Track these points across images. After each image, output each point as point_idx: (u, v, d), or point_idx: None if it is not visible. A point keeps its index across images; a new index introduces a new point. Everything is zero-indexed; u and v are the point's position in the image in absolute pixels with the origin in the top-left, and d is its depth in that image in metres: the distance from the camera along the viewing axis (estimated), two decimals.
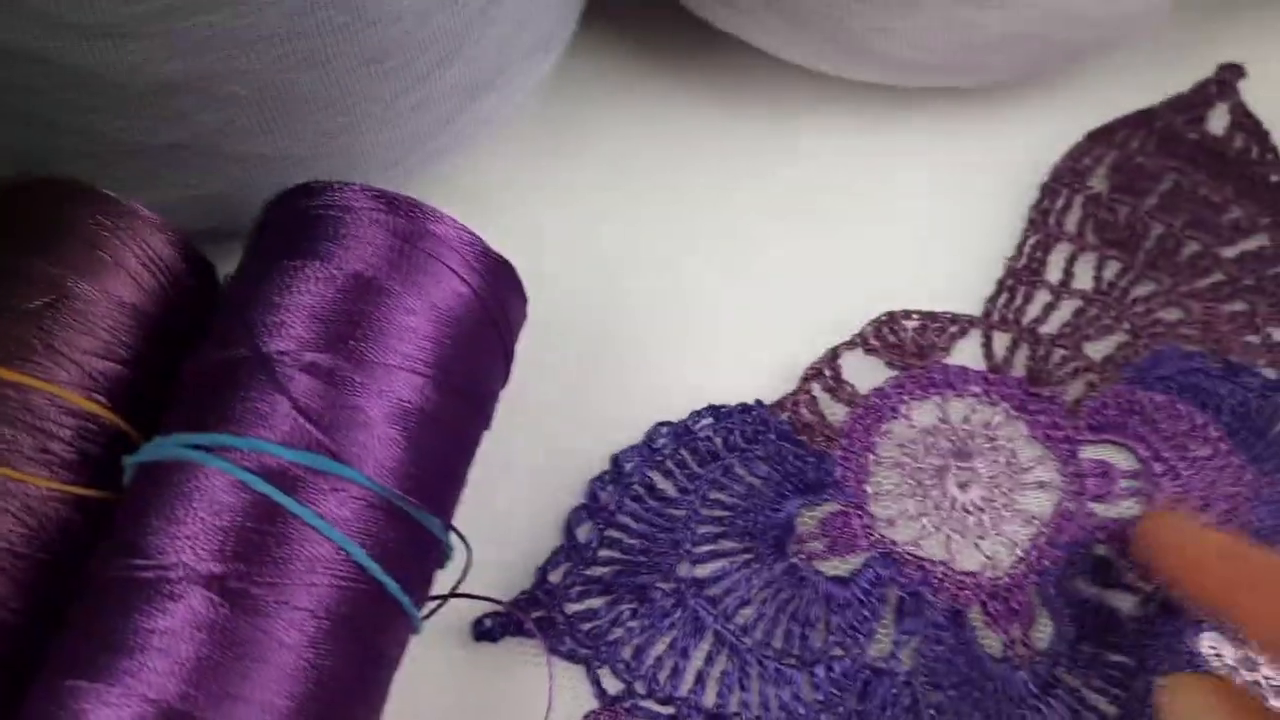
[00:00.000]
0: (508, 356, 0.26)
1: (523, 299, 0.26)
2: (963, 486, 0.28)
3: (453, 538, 0.24)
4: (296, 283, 0.23)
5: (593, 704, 0.26)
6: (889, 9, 0.29)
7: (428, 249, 0.24)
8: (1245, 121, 0.35)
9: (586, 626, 0.26)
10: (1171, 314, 0.31)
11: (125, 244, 0.25)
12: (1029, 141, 0.34)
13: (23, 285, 0.23)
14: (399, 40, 0.25)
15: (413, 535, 0.23)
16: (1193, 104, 0.35)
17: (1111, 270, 0.32)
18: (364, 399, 0.23)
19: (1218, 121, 0.35)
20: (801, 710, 0.25)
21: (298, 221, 0.24)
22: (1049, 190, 0.33)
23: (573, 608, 0.27)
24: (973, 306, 0.31)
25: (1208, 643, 0.27)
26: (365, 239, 0.24)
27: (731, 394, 0.29)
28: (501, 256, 0.25)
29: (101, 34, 0.22)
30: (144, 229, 0.25)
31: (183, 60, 0.24)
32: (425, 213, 0.25)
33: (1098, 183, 0.34)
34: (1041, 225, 0.33)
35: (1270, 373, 0.30)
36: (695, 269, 0.31)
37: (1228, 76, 0.35)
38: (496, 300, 0.25)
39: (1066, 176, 0.33)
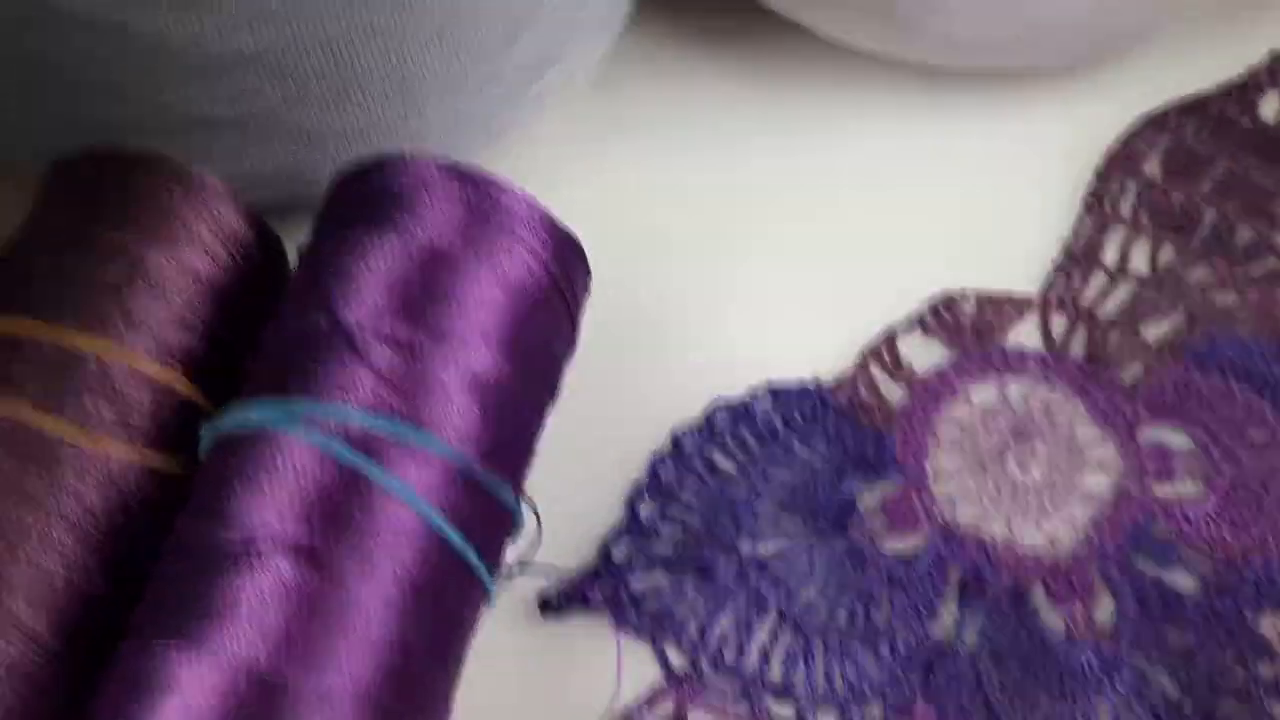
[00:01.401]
0: (574, 327, 0.26)
1: (587, 272, 0.26)
2: (1022, 466, 0.28)
3: (524, 508, 0.24)
4: (372, 253, 0.23)
5: (659, 679, 0.26)
6: None
7: (498, 221, 0.24)
8: None
9: (651, 603, 0.26)
10: (1227, 299, 0.31)
11: (198, 215, 0.25)
12: (1081, 125, 0.34)
13: (100, 257, 0.23)
14: (465, 15, 0.25)
15: (488, 505, 0.23)
16: (1245, 90, 0.35)
17: (1167, 255, 0.32)
18: (440, 368, 0.23)
19: (1269, 108, 0.35)
20: (866, 688, 0.25)
21: (371, 193, 0.24)
22: (1103, 174, 0.33)
23: (637, 584, 0.27)
24: (1028, 288, 0.32)
25: (1269, 623, 0.27)
26: (438, 211, 0.24)
27: (786, 369, 0.29)
28: (568, 230, 0.25)
29: (177, 4, 0.22)
30: (216, 200, 0.25)
31: (252, 32, 0.24)
32: (496, 185, 0.25)
33: (1151, 168, 0.34)
34: (1097, 209, 0.33)
35: None
36: (751, 246, 0.31)
37: (1279, 64, 0.36)
38: (564, 272, 0.25)
39: (1120, 161, 0.33)
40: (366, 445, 0.21)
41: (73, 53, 0.23)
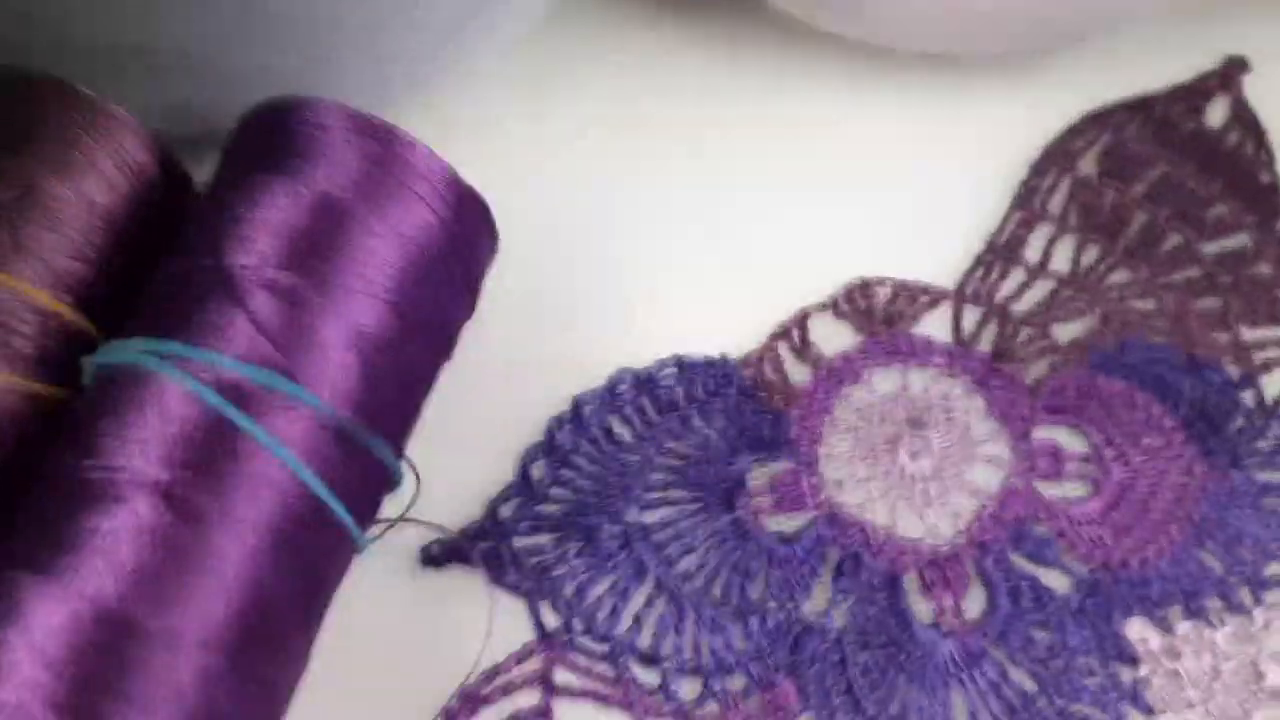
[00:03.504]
0: (473, 290, 0.26)
1: (493, 235, 0.26)
2: (914, 455, 0.29)
3: (403, 465, 0.25)
4: (264, 197, 0.23)
5: (530, 637, 0.26)
6: None
7: (399, 175, 0.24)
8: (1243, 117, 0.35)
9: (532, 561, 0.27)
10: (1145, 304, 0.31)
11: (100, 145, 0.25)
12: (1024, 119, 0.34)
13: None
14: None
15: (362, 459, 0.23)
16: (1193, 94, 0.35)
17: (1090, 255, 0.32)
18: (323, 321, 0.23)
19: (1216, 114, 0.35)
20: (731, 659, 0.26)
21: (272, 135, 0.24)
22: (1037, 170, 0.33)
23: (520, 542, 0.27)
24: (950, 281, 0.32)
25: (1136, 629, 0.27)
26: (337, 160, 0.24)
27: (700, 348, 0.30)
28: (473, 190, 0.25)
29: None
30: (120, 131, 0.25)
31: None
32: (399, 138, 0.25)
33: (1087, 166, 0.33)
34: (1026, 204, 0.33)
35: (1234, 371, 0.30)
36: (675, 222, 0.31)
37: (1231, 70, 0.35)
38: (464, 233, 0.25)
39: (1057, 157, 0.33)
40: (238, 393, 0.22)
41: None
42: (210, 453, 0.21)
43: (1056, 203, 0.33)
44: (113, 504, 0.20)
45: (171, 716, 0.20)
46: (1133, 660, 0.27)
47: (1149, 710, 0.26)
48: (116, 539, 0.20)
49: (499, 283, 0.28)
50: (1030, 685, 0.26)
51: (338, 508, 0.22)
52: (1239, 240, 0.33)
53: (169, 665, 0.20)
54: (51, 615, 0.20)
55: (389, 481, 0.24)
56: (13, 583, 0.20)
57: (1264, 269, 0.32)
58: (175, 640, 0.20)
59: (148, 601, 0.20)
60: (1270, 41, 0.36)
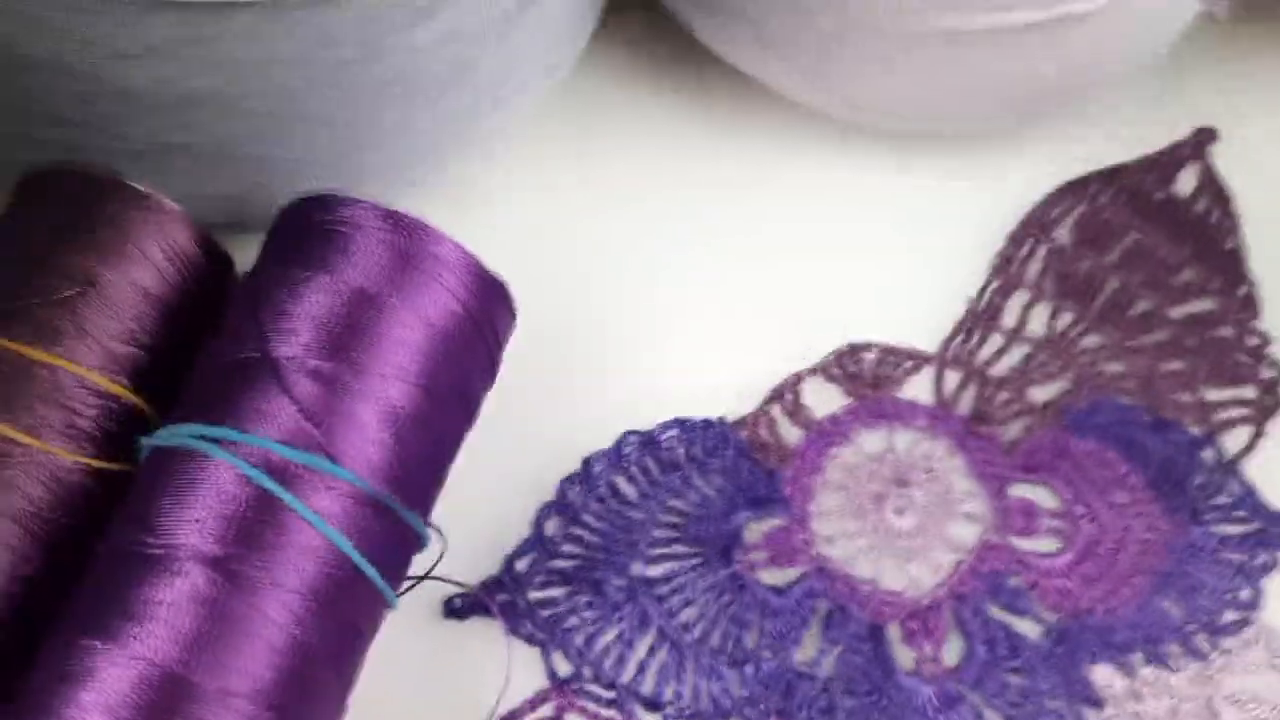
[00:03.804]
0: (493, 366, 0.28)
1: (511, 314, 0.29)
2: (899, 512, 0.31)
3: (429, 528, 0.27)
4: (305, 292, 0.26)
5: (544, 683, 0.29)
6: (857, 54, 0.31)
7: (426, 267, 0.27)
8: (1211, 185, 0.37)
9: (545, 613, 0.29)
10: (1115, 367, 0.34)
11: (150, 236, 0.27)
12: (1004, 190, 0.36)
13: (55, 274, 0.26)
14: (412, 69, 0.27)
15: (394, 527, 0.26)
16: (1164, 164, 0.37)
17: (1064, 320, 0.34)
18: (359, 404, 0.25)
19: (1186, 183, 0.37)
20: (728, 703, 0.28)
21: (309, 232, 0.27)
22: (1015, 239, 0.35)
23: (534, 595, 0.29)
24: (934, 345, 0.34)
25: (1101, 673, 0.30)
26: (370, 255, 0.26)
27: (698, 408, 0.32)
28: (495, 277, 0.28)
29: (140, 54, 0.25)
30: (168, 222, 0.27)
31: (207, 78, 0.26)
32: (428, 234, 0.27)
33: (1063, 234, 0.36)
34: (1004, 271, 0.35)
35: (1197, 430, 0.33)
36: (675, 288, 0.34)
37: (1201, 139, 0.37)
38: (486, 316, 0.28)
39: (1033, 226, 0.36)
40: (283, 473, 0.24)
41: (49, 92, 0.26)
42: (258, 528, 0.24)
43: (1033, 270, 0.35)
44: (174, 577, 0.23)
45: None
46: (1097, 703, 0.29)
47: None
48: (177, 609, 0.23)
49: (513, 350, 0.31)
50: None
51: (372, 573, 0.25)
52: (1204, 304, 0.35)
53: (222, 719, 0.22)
54: (120, 678, 0.22)
55: (417, 544, 0.27)
56: (85, 649, 0.22)
57: (1227, 332, 0.35)
58: (228, 698, 0.22)
59: (204, 664, 0.22)
60: (1237, 109, 0.38)
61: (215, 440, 0.24)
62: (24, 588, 0.24)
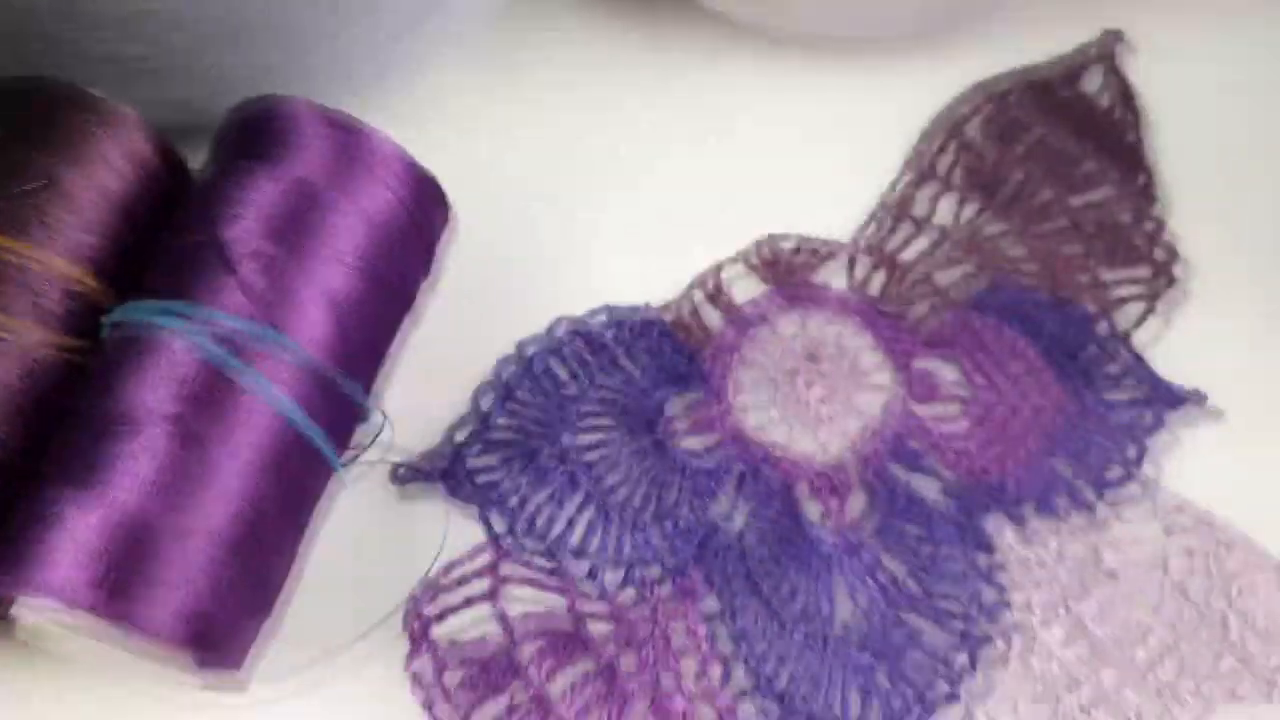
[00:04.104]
0: (429, 257, 0.31)
1: (445, 209, 0.31)
2: (809, 385, 0.34)
3: (370, 401, 0.30)
4: (249, 182, 0.28)
5: (482, 539, 0.31)
6: None
7: (364, 163, 0.29)
8: (1116, 83, 0.39)
9: (482, 479, 0.32)
10: (1017, 251, 0.36)
11: (109, 140, 0.30)
12: (920, 92, 0.38)
13: (21, 173, 0.28)
14: None
15: (336, 397, 0.28)
16: (1072, 64, 0.39)
17: (971, 209, 0.37)
18: (301, 285, 0.28)
19: (1092, 82, 0.39)
20: (649, 553, 0.31)
21: (255, 130, 0.29)
22: (927, 135, 0.38)
23: (472, 463, 0.32)
24: (848, 235, 0.36)
25: (994, 524, 0.32)
26: (310, 150, 0.29)
27: (626, 295, 0.35)
28: (428, 173, 0.30)
29: None
30: (125, 127, 0.30)
31: None
32: (363, 130, 0.29)
33: (973, 131, 0.38)
34: (916, 165, 0.37)
35: (1091, 307, 0.35)
36: (608, 190, 0.36)
37: (1108, 41, 0.39)
38: (421, 210, 0.30)
39: (945, 124, 0.38)
40: (231, 344, 0.27)
41: (11, 11, 0.28)
42: (209, 392, 0.26)
43: (943, 164, 0.37)
44: (133, 433, 0.26)
45: (185, 594, 0.25)
46: (989, 549, 0.32)
47: (1001, 589, 0.31)
48: (137, 461, 0.25)
49: (454, 248, 0.33)
50: (902, 571, 0.32)
51: (314, 435, 0.27)
52: (1102, 193, 0.37)
53: (180, 555, 0.25)
54: (88, 522, 0.25)
55: (359, 415, 0.29)
56: (56, 498, 0.25)
57: (1124, 218, 0.37)
58: (186, 537, 0.25)
59: (164, 507, 0.25)
60: (1144, 12, 0.40)
61: (170, 315, 0.27)
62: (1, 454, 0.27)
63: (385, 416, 0.30)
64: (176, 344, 0.26)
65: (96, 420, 0.26)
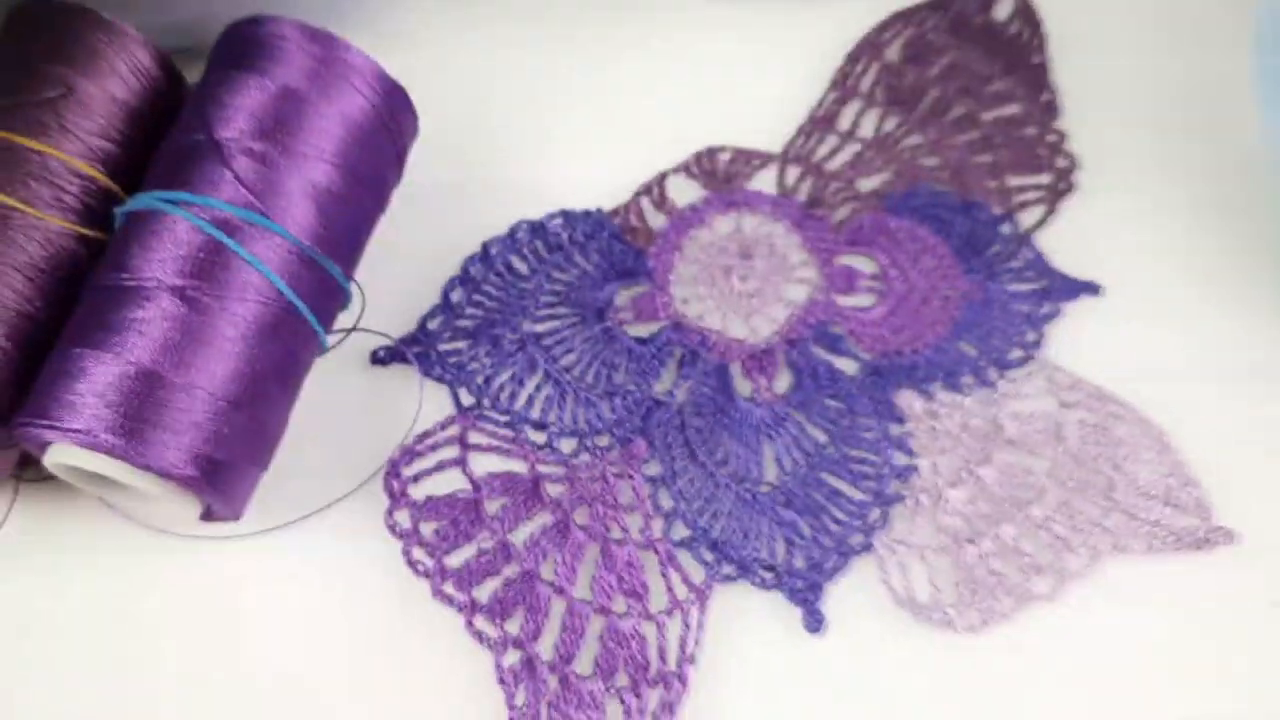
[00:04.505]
0: (400, 158, 0.35)
1: (413, 114, 0.35)
2: (743, 279, 0.38)
3: (351, 285, 0.34)
4: (240, 88, 0.32)
5: (452, 412, 0.36)
6: None
7: (340, 71, 0.33)
8: (1025, 10, 0.43)
9: (452, 360, 0.36)
10: (931, 161, 0.40)
11: (117, 54, 0.33)
12: (845, 18, 0.42)
13: (41, 82, 0.32)
14: None
15: (321, 276, 0.32)
16: None
17: (890, 124, 0.41)
18: (288, 176, 0.32)
19: (1003, 9, 0.43)
20: (600, 424, 0.35)
21: (245, 45, 0.33)
22: (852, 57, 0.42)
23: (443, 347, 0.36)
24: (779, 147, 0.40)
25: (905, 398, 0.36)
26: (294, 60, 0.33)
27: (579, 201, 0.39)
28: (396, 82, 0.34)
29: None
30: (131, 44, 0.34)
31: None
32: (340, 44, 0.33)
33: (893, 53, 0.42)
34: (841, 85, 0.41)
35: (997, 210, 0.39)
36: (561, 108, 0.40)
37: None
38: (392, 114, 0.34)
39: (868, 47, 0.42)
40: (228, 226, 0.31)
41: None
42: (210, 266, 0.30)
43: (866, 83, 0.41)
44: (145, 301, 0.30)
45: (191, 438, 0.29)
46: (900, 420, 0.36)
47: (911, 454, 0.36)
48: (149, 323, 0.29)
49: (424, 155, 0.37)
50: (823, 438, 0.36)
51: (302, 308, 0.31)
52: (1011, 109, 0.41)
53: (188, 405, 0.29)
54: (106, 374, 0.29)
55: (342, 298, 0.33)
56: (79, 355, 0.29)
57: (1030, 131, 0.41)
58: (192, 389, 0.29)
59: (172, 364, 0.29)
60: None
61: (173, 202, 0.31)
62: (28, 324, 0.31)
63: (364, 296, 0.34)
64: (181, 226, 0.30)
65: (112, 291, 0.30)
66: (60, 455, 0.29)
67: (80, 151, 0.32)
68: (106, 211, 0.32)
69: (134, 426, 0.29)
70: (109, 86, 0.33)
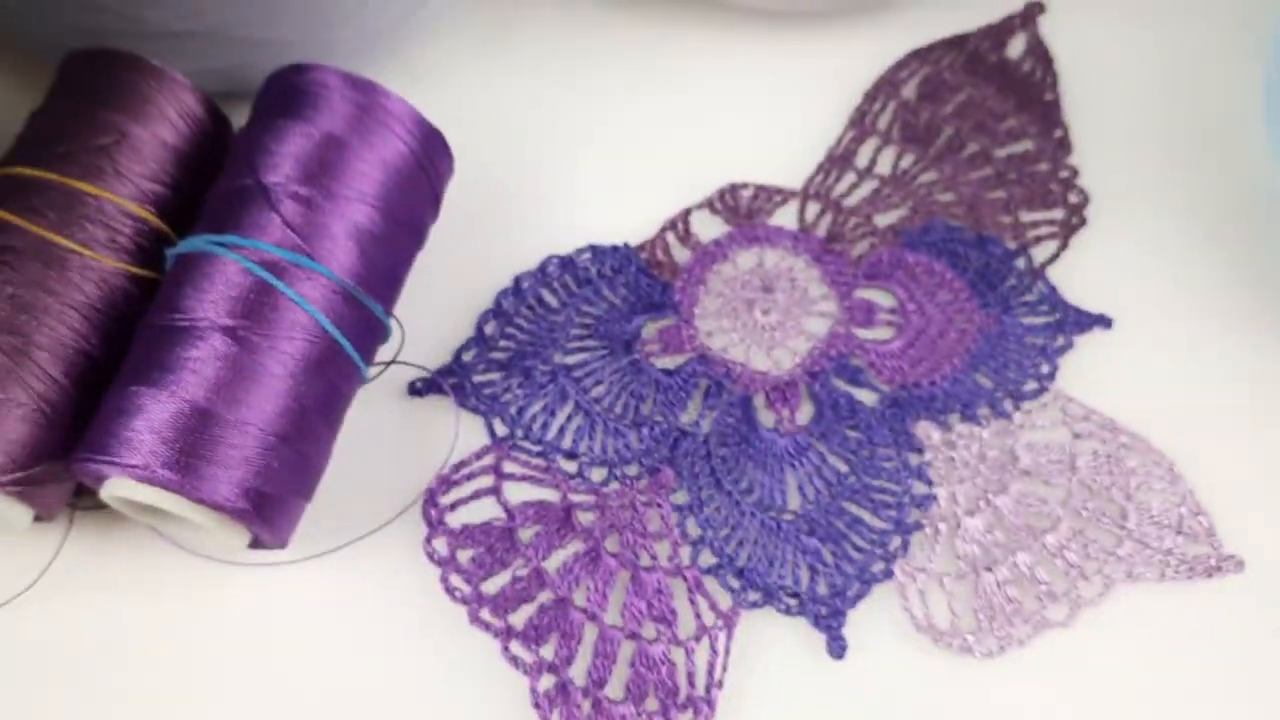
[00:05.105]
0: (436, 198, 0.36)
1: (449, 157, 0.36)
2: (765, 312, 0.39)
3: (391, 322, 0.35)
4: (286, 135, 0.33)
5: (487, 442, 0.37)
6: None
7: (380, 118, 0.34)
8: (1036, 48, 0.44)
9: (486, 391, 0.37)
10: (947, 196, 0.41)
11: (166, 100, 0.35)
12: (863, 57, 0.44)
13: (96, 128, 0.33)
14: None
15: (362, 314, 0.34)
16: (999, 32, 0.44)
17: (907, 160, 0.42)
18: (331, 219, 0.33)
19: (1015, 48, 0.44)
20: (629, 454, 0.37)
21: (289, 92, 0.34)
22: (869, 95, 0.43)
23: (477, 378, 0.38)
24: (799, 183, 0.41)
25: (923, 428, 0.38)
26: (336, 108, 0.34)
27: (607, 236, 0.40)
28: (434, 126, 0.35)
29: None
30: (179, 90, 0.35)
31: None
32: (379, 91, 0.35)
33: (909, 91, 0.43)
34: (859, 123, 0.42)
35: (1011, 244, 0.40)
36: (592, 144, 0.41)
37: (1031, 11, 0.45)
38: (429, 158, 0.35)
39: (885, 85, 0.43)
40: (275, 268, 0.32)
41: None
42: (258, 307, 0.32)
43: (883, 121, 0.43)
44: (197, 340, 0.31)
45: (243, 473, 0.30)
46: (919, 450, 0.37)
47: (930, 483, 0.37)
48: (202, 362, 0.31)
49: (459, 193, 0.38)
50: (844, 467, 0.37)
51: (346, 345, 0.33)
52: (1024, 146, 0.42)
53: (240, 441, 0.30)
54: (163, 411, 0.30)
55: (382, 331, 0.35)
56: (135, 393, 0.31)
57: (1043, 167, 0.42)
58: (243, 425, 0.31)
59: (224, 401, 0.31)
60: None
61: (223, 245, 0.32)
62: (86, 361, 0.32)
63: (403, 331, 0.36)
64: (231, 268, 0.32)
65: (166, 331, 0.31)
66: (117, 489, 0.30)
67: (133, 194, 0.34)
68: (157, 251, 0.34)
69: (189, 462, 0.30)
70: (159, 131, 0.34)
